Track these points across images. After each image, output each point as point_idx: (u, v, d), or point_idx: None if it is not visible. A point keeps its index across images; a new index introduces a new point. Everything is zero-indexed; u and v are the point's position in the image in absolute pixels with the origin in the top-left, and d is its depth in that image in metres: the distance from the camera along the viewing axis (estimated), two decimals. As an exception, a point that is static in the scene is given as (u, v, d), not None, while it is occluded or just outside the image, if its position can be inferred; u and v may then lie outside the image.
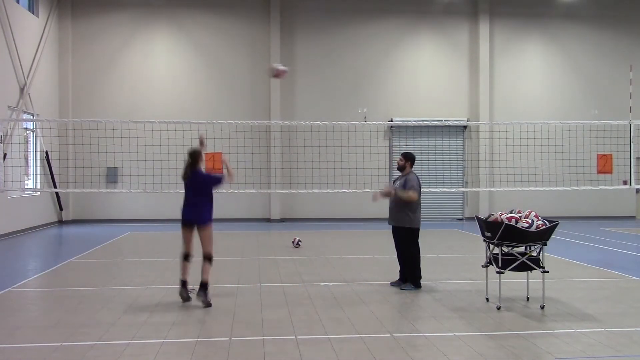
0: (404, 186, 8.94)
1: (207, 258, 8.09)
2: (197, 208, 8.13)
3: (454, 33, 22.38)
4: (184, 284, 8.10)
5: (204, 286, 7.91)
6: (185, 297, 8.05)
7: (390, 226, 9.32)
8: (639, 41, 22.83)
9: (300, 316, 7.36)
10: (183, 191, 8.37)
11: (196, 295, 7.94)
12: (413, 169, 9.22)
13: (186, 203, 8.23)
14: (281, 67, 9.62)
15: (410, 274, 9.00)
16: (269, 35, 21.46)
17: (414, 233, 9.01)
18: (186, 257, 8.23)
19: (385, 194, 9.25)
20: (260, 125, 19.42)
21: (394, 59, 22.15)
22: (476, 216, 8.58)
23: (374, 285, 9.26)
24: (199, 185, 8.19)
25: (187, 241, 8.26)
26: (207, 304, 7.82)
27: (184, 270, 8.15)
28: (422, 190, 9.18)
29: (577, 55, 22.76)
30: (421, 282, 9.11)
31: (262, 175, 18.82)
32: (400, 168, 9.25)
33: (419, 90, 22.14)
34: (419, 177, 9.23)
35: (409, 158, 9.23)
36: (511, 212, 7.83)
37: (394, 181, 9.38)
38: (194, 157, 8.21)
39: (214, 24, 21.58)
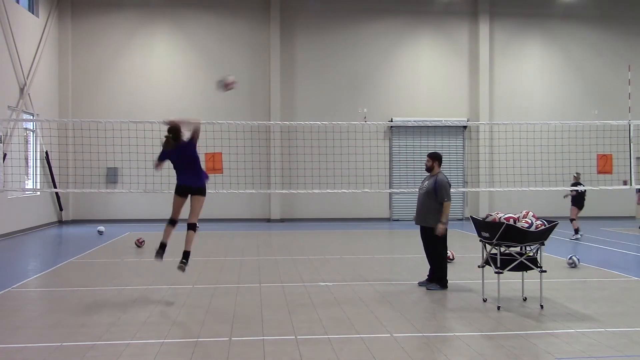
0: (435, 188, 8.82)
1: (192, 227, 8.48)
2: (193, 175, 8.42)
3: (454, 33, 22.38)
4: (163, 246, 8.40)
5: (186, 255, 8.31)
6: (160, 258, 8.40)
7: (418, 226, 9.16)
8: (638, 41, 22.84)
9: (300, 316, 7.36)
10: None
11: (178, 265, 8.27)
12: (441, 168, 9.15)
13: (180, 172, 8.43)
14: (231, 79, 9.58)
15: (437, 274, 8.97)
16: (269, 35, 21.46)
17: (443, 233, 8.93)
18: (173, 222, 8.51)
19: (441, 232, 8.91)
20: (260, 125, 19.42)
21: (394, 59, 22.15)
22: (471, 216, 8.55)
23: (374, 286, 9.26)
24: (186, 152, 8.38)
25: (177, 208, 8.50)
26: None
27: (167, 235, 8.46)
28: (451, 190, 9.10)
29: (577, 56, 22.77)
30: (420, 282, 9.16)
31: (262, 175, 18.82)
32: (429, 169, 9.11)
33: (419, 91, 22.15)
34: (448, 177, 9.11)
35: (435, 158, 9.12)
36: (508, 213, 7.85)
37: (423, 181, 9.26)
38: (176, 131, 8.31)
39: (214, 24, 21.59)
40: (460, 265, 11.13)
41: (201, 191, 8.42)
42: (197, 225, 8.64)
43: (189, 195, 8.40)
